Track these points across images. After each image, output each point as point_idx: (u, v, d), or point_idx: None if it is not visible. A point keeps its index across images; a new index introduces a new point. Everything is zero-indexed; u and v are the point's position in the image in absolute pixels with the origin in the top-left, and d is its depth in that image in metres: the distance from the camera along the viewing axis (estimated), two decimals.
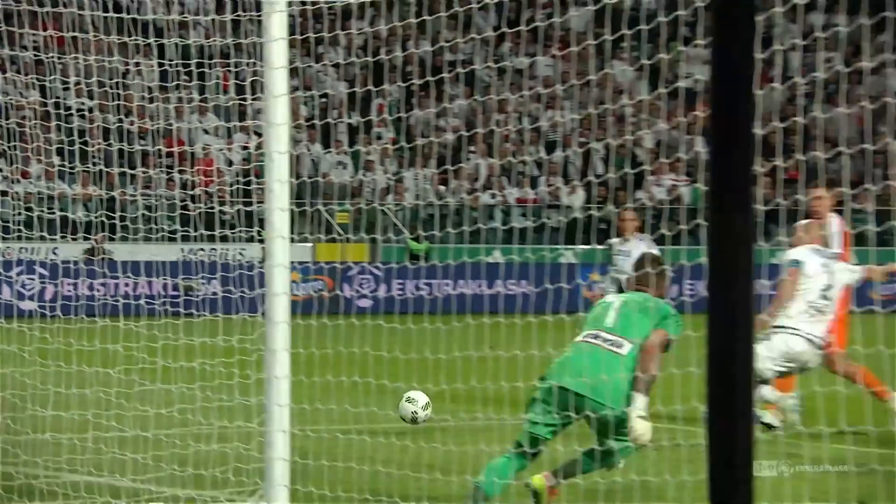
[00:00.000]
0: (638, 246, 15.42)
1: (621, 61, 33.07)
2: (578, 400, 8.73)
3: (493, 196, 32.93)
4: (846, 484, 9.41)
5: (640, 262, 9.63)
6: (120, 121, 11.99)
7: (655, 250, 14.65)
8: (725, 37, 3.49)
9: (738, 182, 3.47)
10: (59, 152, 12.11)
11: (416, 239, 30.02)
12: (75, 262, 15.01)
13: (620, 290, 14.94)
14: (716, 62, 3.50)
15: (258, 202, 10.04)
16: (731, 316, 3.42)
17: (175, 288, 17.69)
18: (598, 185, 29.99)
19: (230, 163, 24.78)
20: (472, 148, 31.59)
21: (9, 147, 11.26)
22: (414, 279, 27.56)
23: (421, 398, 11.09)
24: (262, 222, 9.30)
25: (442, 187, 31.90)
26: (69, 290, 14.62)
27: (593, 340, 8.98)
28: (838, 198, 13.35)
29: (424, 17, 9.50)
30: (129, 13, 10.97)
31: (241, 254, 24.33)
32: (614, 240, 16.32)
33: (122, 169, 11.80)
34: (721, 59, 3.50)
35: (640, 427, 8.58)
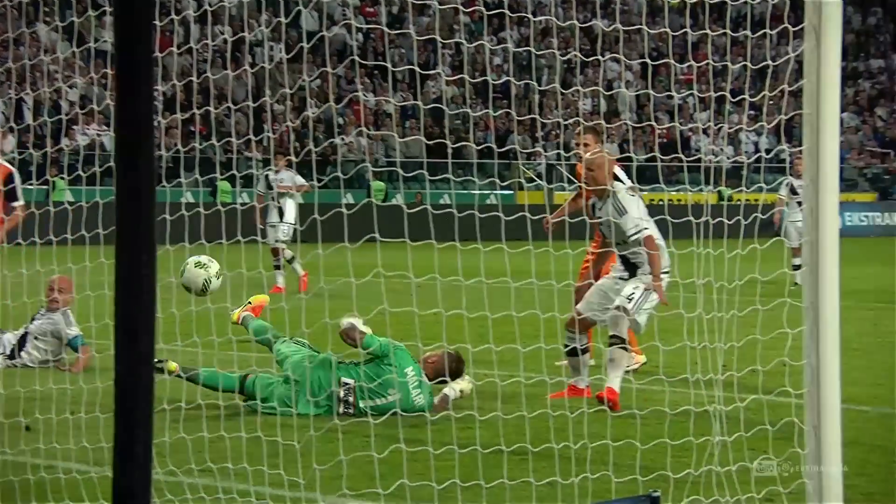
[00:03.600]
0: None
1: (43, 23, 31.84)
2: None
3: None
4: None
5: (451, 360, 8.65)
6: None
7: None
8: (126, 7, 3.34)
9: (141, 132, 3.37)
10: None
11: None
12: None
13: None
14: (120, 30, 3.35)
15: None
16: (135, 237, 3.33)
17: None
18: (25, 132, 28.81)
19: None
20: None
21: None
22: None
23: (213, 265, 9.05)
24: None
25: None
26: None
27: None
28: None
29: None
30: None
31: None
32: None
33: None
34: (123, 27, 3.36)
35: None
